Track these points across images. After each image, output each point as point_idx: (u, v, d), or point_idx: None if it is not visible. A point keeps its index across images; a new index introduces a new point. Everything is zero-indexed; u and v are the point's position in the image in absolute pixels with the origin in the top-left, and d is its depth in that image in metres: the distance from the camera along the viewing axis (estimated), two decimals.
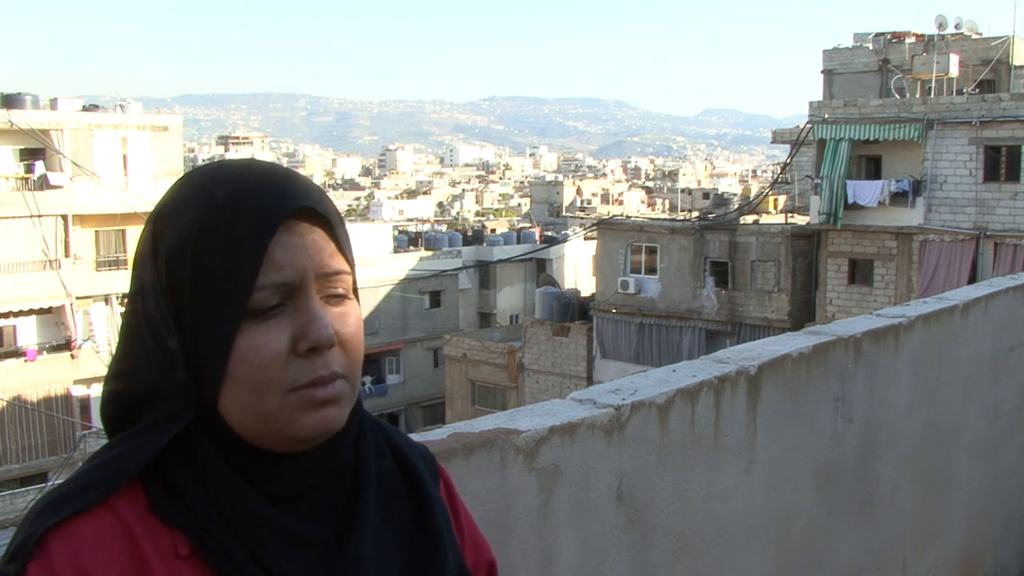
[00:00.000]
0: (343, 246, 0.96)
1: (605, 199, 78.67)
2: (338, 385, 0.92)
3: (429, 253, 41.66)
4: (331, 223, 0.95)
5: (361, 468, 1.00)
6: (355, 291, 0.98)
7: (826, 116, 24.88)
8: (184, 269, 0.89)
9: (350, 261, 0.97)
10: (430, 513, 1.03)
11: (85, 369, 28.44)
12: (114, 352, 0.97)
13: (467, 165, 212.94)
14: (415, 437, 1.50)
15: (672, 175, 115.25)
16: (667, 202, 66.15)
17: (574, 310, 29.50)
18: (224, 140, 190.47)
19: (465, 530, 1.11)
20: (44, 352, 28.31)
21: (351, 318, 0.95)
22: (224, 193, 0.91)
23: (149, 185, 29.12)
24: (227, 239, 0.89)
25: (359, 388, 0.98)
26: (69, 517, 0.85)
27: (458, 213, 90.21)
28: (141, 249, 0.94)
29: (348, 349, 0.94)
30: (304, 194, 0.93)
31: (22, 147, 28.13)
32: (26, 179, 27.85)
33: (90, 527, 0.85)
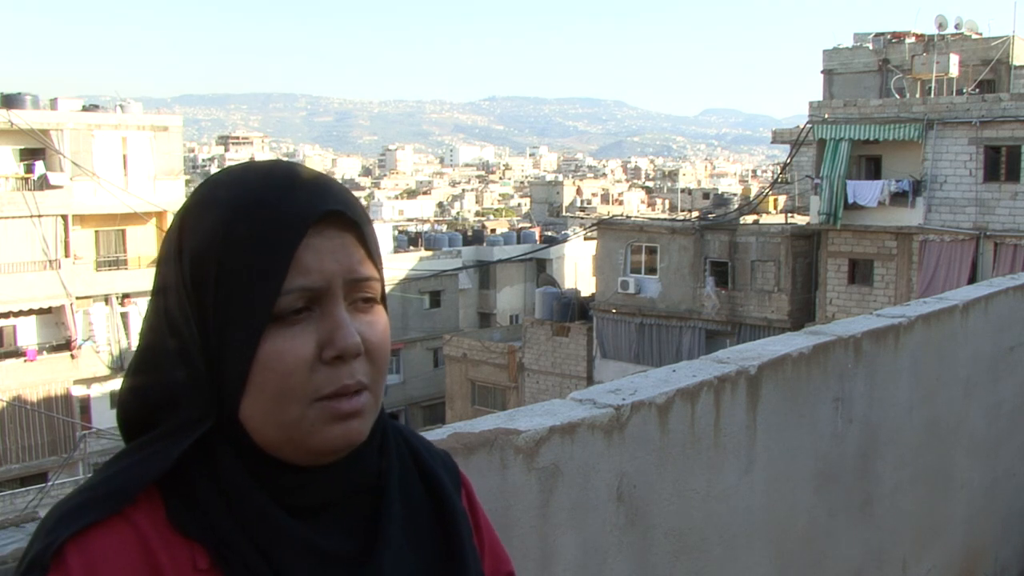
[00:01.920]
0: (372, 252, 0.94)
1: (605, 199, 78.62)
2: (363, 398, 0.91)
3: (429, 253, 41.66)
4: (361, 228, 0.92)
5: (384, 480, 0.98)
6: (383, 298, 0.96)
7: (826, 116, 24.87)
8: (210, 269, 0.87)
9: (379, 267, 0.95)
10: (452, 524, 1.01)
11: (85, 369, 28.45)
12: (134, 351, 0.95)
13: (467, 165, 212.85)
14: None
15: (672, 175, 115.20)
16: (667, 202, 66.13)
17: (574, 310, 29.49)
18: (224, 140, 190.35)
19: (485, 540, 1.10)
20: (44, 352, 28.30)
21: (379, 326, 0.93)
22: (254, 194, 0.89)
23: (149, 185, 29.15)
24: (255, 241, 0.87)
25: (383, 398, 0.96)
26: (86, 528, 0.83)
27: (458, 213, 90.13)
28: (166, 247, 0.92)
29: (374, 358, 0.92)
30: (334, 198, 0.91)
31: (22, 147, 28.13)
32: (26, 179, 27.85)
33: (107, 539, 0.83)
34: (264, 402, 0.87)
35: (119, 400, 0.94)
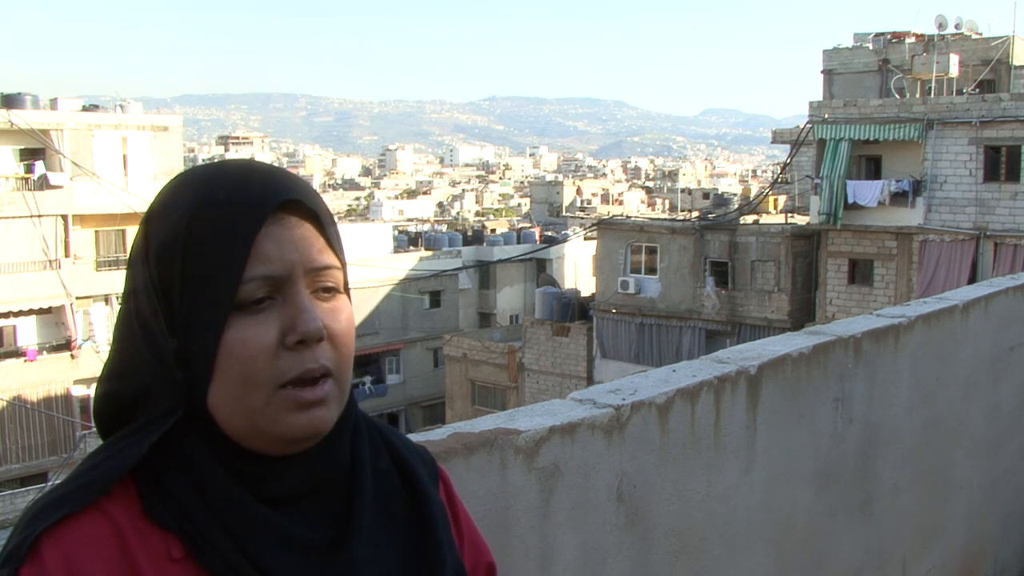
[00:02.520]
0: (333, 242, 0.95)
1: (605, 199, 78.67)
2: (327, 386, 0.91)
3: (429, 253, 41.64)
4: (320, 218, 0.94)
5: (357, 469, 0.99)
6: (346, 289, 0.97)
7: (826, 116, 24.87)
8: (174, 267, 0.89)
9: (341, 257, 0.96)
10: (428, 515, 1.02)
11: (85, 369, 28.42)
12: (108, 352, 0.97)
13: (467, 165, 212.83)
14: (415, 437, 1.50)
15: (672, 175, 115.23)
16: (667, 202, 66.18)
17: (574, 310, 29.49)
18: (224, 140, 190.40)
19: (464, 532, 1.10)
20: (44, 352, 28.30)
21: (342, 314, 0.94)
22: (212, 190, 0.91)
23: (149, 185, 29.11)
24: (215, 234, 0.89)
25: (349, 387, 0.97)
26: (61, 520, 0.84)
27: (458, 213, 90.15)
28: (134, 250, 0.94)
29: (338, 345, 0.93)
30: (292, 188, 0.93)
31: (22, 147, 28.12)
32: (26, 179, 27.85)
33: (82, 530, 0.85)
34: (229, 390, 0.89)
35: (95, 401, 0.95)
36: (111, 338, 0.98)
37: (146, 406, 0.90)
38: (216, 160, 0.99)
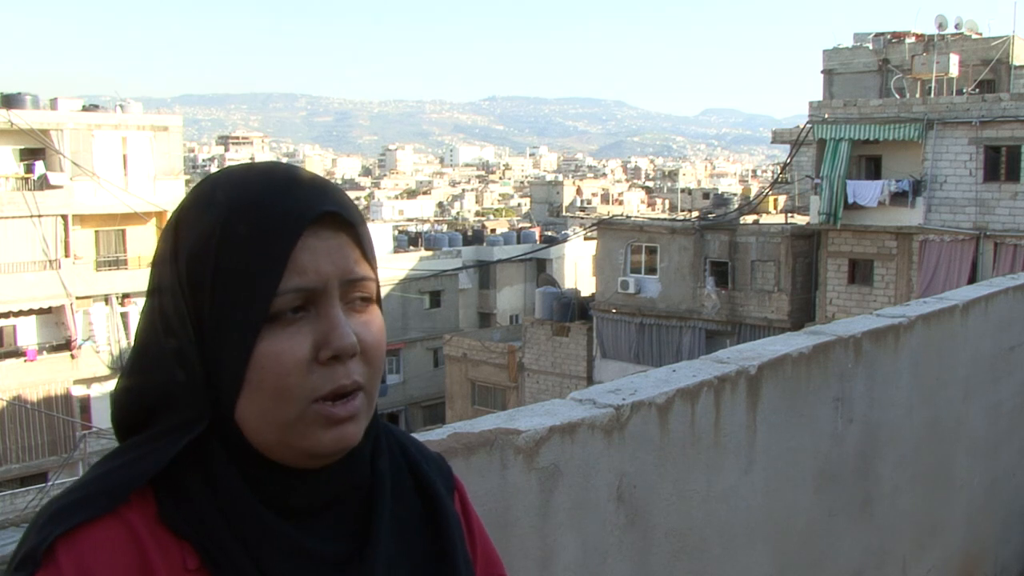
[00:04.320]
0: (367, 253, 0.94)
1: (605, 199, 78.55)
2: (357, 401, 0.90)
3: (429, 253, 41.64)
4: (357, 229, 0.93)
5: (376, 483, 0.98)
6: (378, 298, 0.96)
7: (826, 116, 24.87)
8: (206, 269, 0.87)
9: (374, 268, 0.95)
10: (444, 529, 1.01)
11: (85, 369, 28.44)
12: (129, 352, 0.95)
13: (467, 165, 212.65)
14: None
15: (672, 175, 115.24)
16: (667, 202, 66.15)
17: (574, 310, 29.49)
18: (224, 140, 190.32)
19: (478, 544, 1.10)
20: (44, 352, 28.29)
21: (374, 326, 0.93)
22: (251, 195, 0.89)
23: (149, 185, 29.14)
24: (252, 241, 0.87)
25: (377, 400, 0.96)
26: (78, 525, 0.83)
27: (458, 213, 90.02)
28: (161, 248, 0.92)
29: (370, 358, 0.92)
30: (331, 199, 0.91)
31: (22, 147, 28.11)
32: (26, 179, 27.84)
33: (99, 536, 0.84)
34: (261, 403, 0.87)
35: (113, 399, 0.94)
36: (133, 337, 0.96)
37: (168, 410, 0.89)
38: (247, 163, 0.98)
